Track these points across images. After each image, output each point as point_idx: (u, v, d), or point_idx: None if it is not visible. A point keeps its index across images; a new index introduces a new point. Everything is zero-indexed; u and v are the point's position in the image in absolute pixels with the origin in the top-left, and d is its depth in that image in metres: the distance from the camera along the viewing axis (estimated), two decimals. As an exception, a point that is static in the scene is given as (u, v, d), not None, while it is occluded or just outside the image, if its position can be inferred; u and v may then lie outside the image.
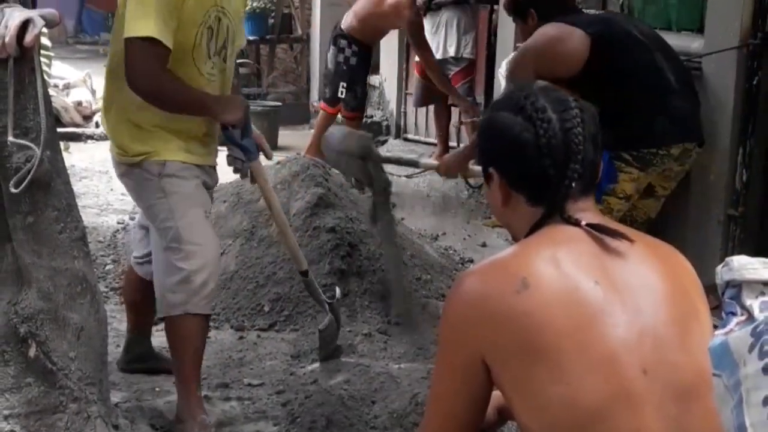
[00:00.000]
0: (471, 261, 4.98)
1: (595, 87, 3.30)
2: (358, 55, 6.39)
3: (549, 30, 3.39)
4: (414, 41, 6.38)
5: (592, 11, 3.86)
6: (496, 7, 7.00)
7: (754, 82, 4.04)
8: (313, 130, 6.95)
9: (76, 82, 8.76)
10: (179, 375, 2.95)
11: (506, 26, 6.74)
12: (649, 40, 3.51)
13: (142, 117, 2.86)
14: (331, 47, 6.46)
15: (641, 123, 3.37)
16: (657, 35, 3.63)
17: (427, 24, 6.78)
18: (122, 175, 3.01)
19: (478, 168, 3.51)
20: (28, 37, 2.29)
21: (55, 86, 8.09)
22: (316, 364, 3.51)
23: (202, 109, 2.88)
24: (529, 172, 1.59)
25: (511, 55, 6.08)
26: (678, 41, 4.73)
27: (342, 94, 6.42)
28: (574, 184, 1.57)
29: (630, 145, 3.37)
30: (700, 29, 4.51)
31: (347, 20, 6.39)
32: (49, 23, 2.38)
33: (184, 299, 2.85)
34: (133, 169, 2.92)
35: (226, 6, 2.92)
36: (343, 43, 6.36)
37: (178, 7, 2.73)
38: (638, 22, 3.82)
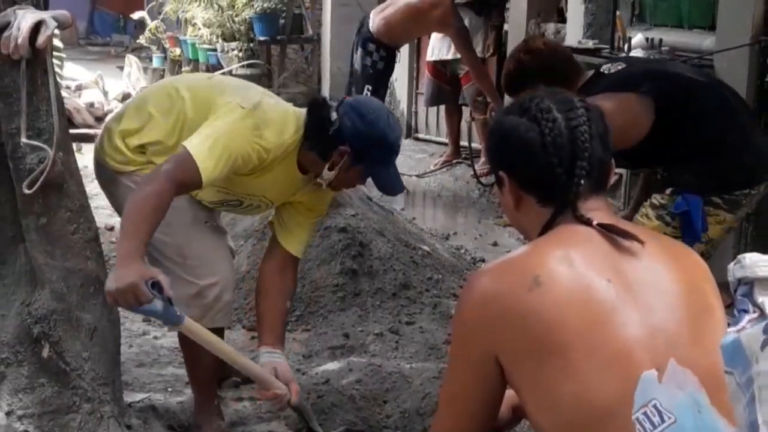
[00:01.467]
0: (482, 260, 4.98)
1: (671, 143, 3.02)
2: (385, 60, 6.34)
3: (601, 104, 2.94)
4: (464, 48, 6.28)
5: (613, 66, 3.24)
6: (508, 5, 6.99)
7: (766, 79, 4.03)
8: None
9: (88, 83, 8.80)
10: (196, 386, 2.93)
11: (516, 25, 6.73)
12: (704, 77, 3.25)
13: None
14: (359, 49, 6.31)
15: (730, 164, 3.05)
16: (706, 71, 3.34)
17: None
18: (107, 183, 2.86)
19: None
20: (41, 39, 2.30)
21: (68, 88, 8.12)
22: (328, 364, 3.52)
23: (120, 241, 2.47)
24: (537, 171, 1.60)
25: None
26: (689, 38, 4.73)
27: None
28: (582, 182, 1.57)
29: (721, 189, 3.07)
30: (711, 26, 4.50)
31: (375, 24, 6.22)
32: (62, 25, 2.40)
33: (200, 314, 2.73)
34: (121, 179, 2.78)
35: (276, 199, 2.88)
36: (371, 47, 6.21)
37: (240, 171, 2.67)
38: (672, 64, 3.52)
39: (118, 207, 2.88)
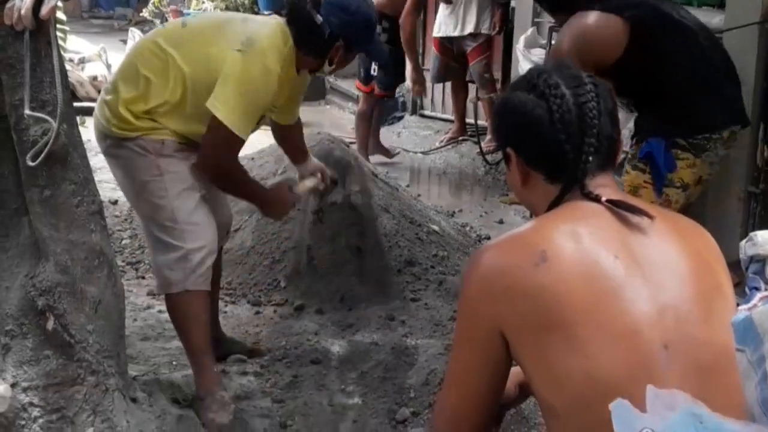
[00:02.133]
0: (488, 238, 4.97)
1: (641, 73, 3.21)
2: (388, 31, 6.37)
3: (582, 19, 3.28)
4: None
5: None
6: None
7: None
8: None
9: (91, 56, 8.77)
10: (190, 353, 2.96)
11: (524, 2, 6.68)
12: (690, 23, 3.38)
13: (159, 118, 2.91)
14: None
15: (694, 108, 3.25)
16: (693, 16, 3.48)
17: (446, 8, 6.75)
18: (111, 149, 2.95)
19: None
20: (44, 10, 2.28)
21: (71, 60, 8.09)
22: (334, 340, 3.52)
23: (253, 201, 3.20)
24: (545, 148, 1.58)
25: (529, 31, 6.06)
26: (699, 16, 4.67)
27: (375, 71, 6.40)
28: (591, 159, 1.56)
29: (685, 132, 3.24)
30: (721, 5, 4.47)
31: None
32: (66, -4, 2.37)
33: (183, 277, 2.87)
34: (127, 143, 2.89)
35: (278, 103, 3.08)
36: None
37: (263, 108, 2.94)
38: (674, 3, 3.68)
39: (123, 174, 2.97)
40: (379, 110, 6.94)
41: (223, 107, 2.78)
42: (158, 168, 2.87)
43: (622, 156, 1.75)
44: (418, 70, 6.70)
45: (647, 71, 3.22)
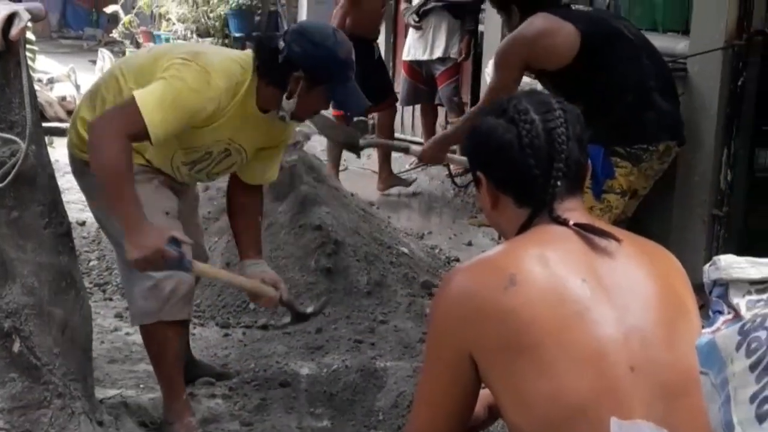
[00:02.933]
0: (457, 260, 4.99)
1: (583, 81, 3.36)
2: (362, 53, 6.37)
3: (538, 22, 3.41)
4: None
5: (580, 7, 3.85)
6: (483, 6, 7.00)
7: (739, 83, 4.06)
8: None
9: (60, 76, 8.72)
10: (161, 379, 2.92)
11: (492, 27, 6.75)
12: (636, 39, 3.54)
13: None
14: None
15: (632, 119, 3.41)
16: (643, 35, 3.66)
17: (416, 31, 6.79)
18: (77, 173, 2.91)
19: (460, 157, 3.51)
20: (14, 31, 2.28)
21: (39, 81, 8.04)
22: (303, 362, 3.51)
23: (121, 219, 2.60)
24: (515, 172, 1.60)
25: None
26: (664, 42, 4.75)
27: None
28: (559, 183, 1.58)
29: (622, 141, 3.41)
30: (685, 30, 4.54)
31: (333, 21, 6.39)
32: (35, 17, 2.37)
33: (157, 307, 2.77)
34: (88, 168, 2.75)
35: (244, 144, 2.89)
36: None
37: (194, 124, 2.70)
38: (626, 21, 3.84)
39: (88, 197, 2.94)
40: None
41: (144, 91, 2.62)
42: None
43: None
44: None
45: (590, 81, 3.37)
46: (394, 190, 6.70)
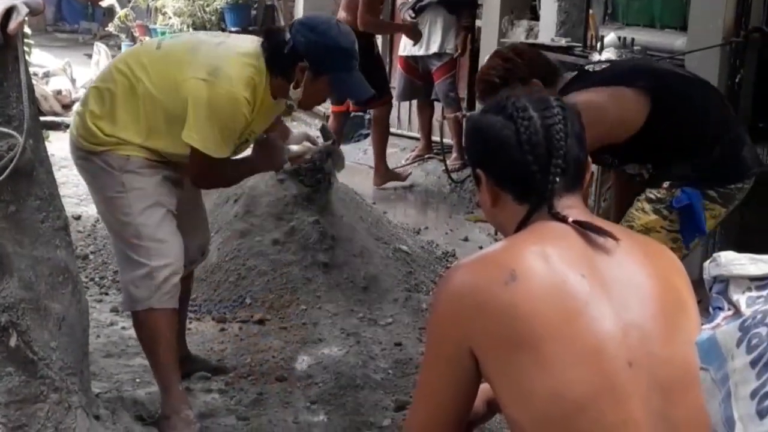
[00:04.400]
0: (453, 255, 4.99)
1: (665, 137, 3.02)
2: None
3: (593, 98, 2.93)
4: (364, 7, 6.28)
5: (598, 66, 3.32)
6: (480, 2, 7.01)
7: (737, 80, 4.07)
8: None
9: (56, 70, 8.69)
10: (156, 370, 2.95)
11: (489, 23, 6.75)
12: (687, 73, 3.28)
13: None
14: None
15: (731, 158, 3.08)
16: (683, 69, 3.34)
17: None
18: (80, 161, 2.97)
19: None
20: (12, 25, 2.26)
21: (35, 75, 8.02)
22: (299, 357, 3.51)
23: (252, 173, 3.29)
24: (513, 169, 1.61)
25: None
26: (661, 39, 4.77)
27: None
28: (558, 180, 1.58)
29: (718, 182, 3.07)
30: (683, 27, 4.55)
31: (339, 17, 6.40)
32: (33, 11, 2.36)
33: (148, 294, 2.85)
34: (93, 158, 2.89)
35: (258, 130, 3.03)
36: None
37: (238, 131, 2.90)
38: (659, 63, 3.55)
39: (90, 187, 3.01)
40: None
41: (197, 136, 2.80)
42: (122, 184, 2.86)
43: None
44: (404, 29, 6.75)
45: (678, 132, 3.03)
46: (390, 185, 6.71)
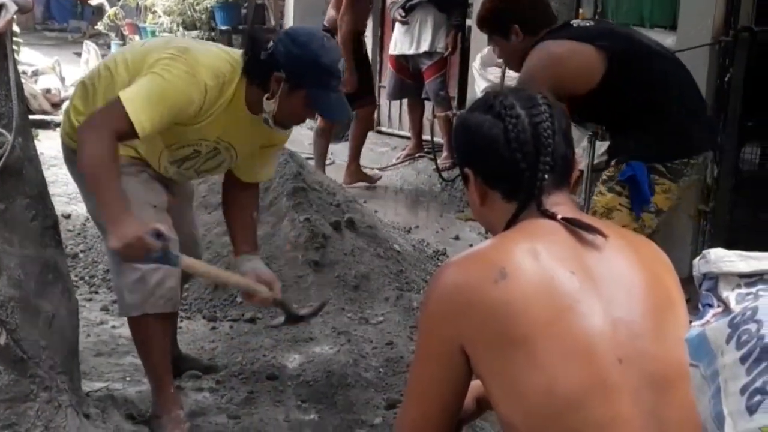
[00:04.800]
0: (444, 254, 4.99)
1: (617, 100, 3.15)
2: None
3: (552, 48, 3.15)
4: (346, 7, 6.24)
5: (581, 21, 3.54)
6: (470, 1, 7.01)
7: (726, 79, 4.09)
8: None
9: (45, 69, 8.68)
10: (149, 372, 2.92)
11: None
12: (660, 48, 3.35)
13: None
14: None
15: (678, 132, 3.17)
16: (659, 43, 3.43)
17: (402, 26, 6.80)
18: (69, 159, 2.89)
19: None
20: (1, 23, 2.26)
21: (24, 73, 8.00)
22: (290, 355, 3.51)
23: (101, 208, 2.60)
24: (502, 167, 1.62)
25: (485, 50, 6.12)
26: (652, 37, 4.77)
27: None
28: (546, 177, 1.59)
29: (665, 156, 3.17)
30: (673, 26, 4.56)
31: (329, 15, 6.43)
32: (22, 8, 2.35)
33: (142, 299, 2.76)
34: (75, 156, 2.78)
35: (234, 143, 2.86)
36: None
37: (180, 121, 2.68)
38: (635, 31, 3.63)
39: (79, 186, 2.93)
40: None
41: (129, 89, 2.61)
42: None
43: (576, 174, 1.78)
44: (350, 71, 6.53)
45: (629, 97, 3.14)
46: (360, 184, 6.64)
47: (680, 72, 3.29)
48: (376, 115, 8.22)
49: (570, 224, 1.57)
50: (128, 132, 2.57)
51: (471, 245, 3.02)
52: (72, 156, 2.84)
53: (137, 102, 2.56)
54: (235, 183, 3.06)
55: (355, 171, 6.66)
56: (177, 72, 2.62)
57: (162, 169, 2.90)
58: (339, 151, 7.27)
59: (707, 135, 3.32)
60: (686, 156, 3.17)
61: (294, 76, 2.67)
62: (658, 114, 3.15)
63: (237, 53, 2.81)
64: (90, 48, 9.55)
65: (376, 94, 7.96)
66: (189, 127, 2.74)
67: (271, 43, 2.69)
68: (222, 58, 2.76)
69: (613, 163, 3.21)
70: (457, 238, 5.50)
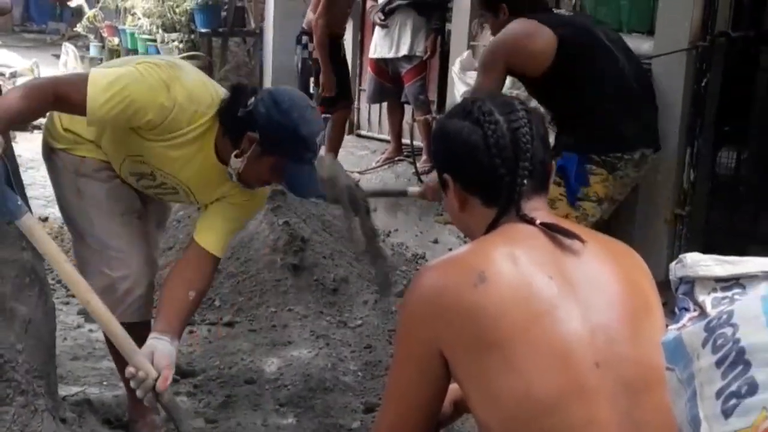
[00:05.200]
0: (423, 257, 5.00)
1: (561, 88, 3.38)
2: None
3: (517, 26, 3.42)
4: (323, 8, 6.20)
5: (563, 11, 3.85)
6: (450, 5, 7.03)
7: (703, 84, 4.11)
8: None
9: (23, 70, 8.62)
10: (124, 378, 2.87)
11: (459, 25, 6.77)
12: (614, 45, 3.54)
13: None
14: (297, 47, 6.48)
15: (608, 128, 3.42)
16: (621, 39, 3.67)
17: (381, 29, 6.81)
18: (45, 158, 2.84)
19: None
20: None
21: (1, 75, 7.95)
22: (268, 359, 3.50)
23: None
24: (481, 173, 1.62)
25: (465, 54, 6.15)
26: (628, 42, 4.78)
27: (312, 89, 6.37)
28: (525, 182, 1.60)
29: (598, 148, 3.42)
30: (650, 31, 4.58)
31: (307, 17, 6.43)
32: (1, 11, 2.35)
33: (111, 307, 2.57)
34: (53, 156, 2.77)
35: (192, 186, 2.72)
36: (305, 39, 6.41)
37: (134, 123, 2.54)
38: (605, 26, 3.86)
39: (54, 187, 2.85)
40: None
41: (101, 70, 2.54)
42: (78, 189, 2.73)
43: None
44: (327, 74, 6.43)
45: (570, 88, 3.38)
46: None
47: (627, 71, 3.48)
48: (356, 118, 8.24)
49: (549, 229, 1.57)
50: (78, 103, 2.44)
51: (450, 249, 3.04)
52: (48, 154, 2.81)
53: (101, 83, 2.44)
54: (192, 254, 2.73)
55: None
56: (154, 76, 2.50)
57: (124, 177, 2.80)
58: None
59: (642, 132, 3.52)
60: (617, 151, 3.42)
61: (268, 141, 2.51)
62: (589, 108, 3.40)
63: (222, 93, 2.66)
64: (69, 50, 9.49)
65: (356, 98, 7.97)
66: (147, 141, 2.61)
67: (253, 100, 2.53)
68: (206, 90, 2.63)
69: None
70: (436, 241, 5.51)
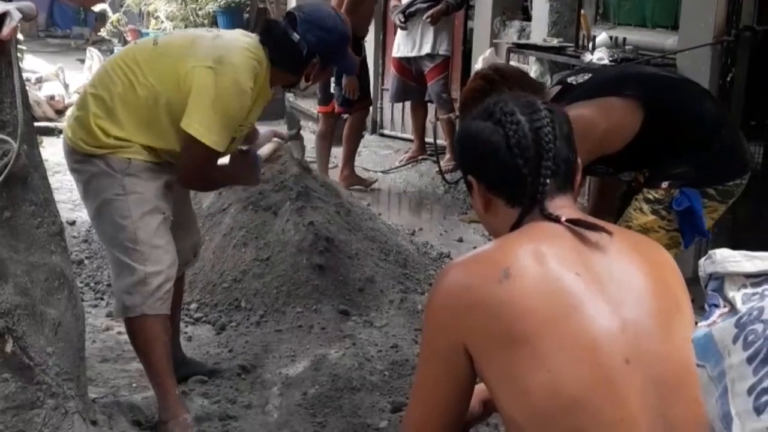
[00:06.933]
0: (448, 256, 4.99)
1: (664, 140, 2.98)
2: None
3: (582, 112, 2.83)
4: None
5: (576, 77, 3.20)
6: (472, 2, 7.02)
7: (728, 78, 4.08)
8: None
9: (48, 75, 8.69)
10: (152, 377, 2.93)
11: (482, 22, 6.77)
12: (675, 75, 3.27)
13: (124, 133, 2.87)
14: None
15: (732, 152, 3.05)
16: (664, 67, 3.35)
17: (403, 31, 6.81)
18: (77, 165, 2.92)
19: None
20: (5, 31, 2.26)
21: (27, 80, 8.01)
22: (296, 359, 3.51)
23: (229, 184, 3.66)
24: (504, 173, 1.62)
25: (487, 51, 6.13)
26: (653, 38, 4.78)
27: (333, 89, 6.34)
28: (548, 181, 1.59)
29: (718, 180, 3.02)
30: (674, 26, 4.56)
31: None
32: (27, 16, 2.35)
33: (140, 301, 2.84)
34: (93, 161, 2.86)
35: (251, 119, 3.08)
36: None
37: (238, 121, 2.93)
38: (643, 66, 3.56)
39: (86, 191, 2.94)
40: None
41: (197, 124, 2.79)
42: (123, 187, 2.84)
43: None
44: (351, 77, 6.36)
45: (672, 136, 2.99)
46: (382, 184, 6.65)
47: (703, 92, 3.17)
48: (379, 118, 8.24)
49: (574, 225, 1.57)
50: (212, 158, 2.89)
51: (475, 247, 3.03)
52: (84, 160, 2.89)
53: (209, 136, 2.80)
54: None
55: (349, 175, 6.61)
56: (228, 88, 2.81)
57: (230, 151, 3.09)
58: (341, 154, 7.26)
59: (749, 149, 3.18)
60: (740, 176, 3.04)
61: (328, 58, 3.03)
62: (708, 140, 3.00)
63: (252, 41, 2.97)
64: (93, 54, 9.55)
65: (379, 97, 7.97)
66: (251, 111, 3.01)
67: (297, 35, 2.94)
68: (247, 54, 2.90)
69: (664, 185, 2.99)
70: (460, 240, 5.50)
